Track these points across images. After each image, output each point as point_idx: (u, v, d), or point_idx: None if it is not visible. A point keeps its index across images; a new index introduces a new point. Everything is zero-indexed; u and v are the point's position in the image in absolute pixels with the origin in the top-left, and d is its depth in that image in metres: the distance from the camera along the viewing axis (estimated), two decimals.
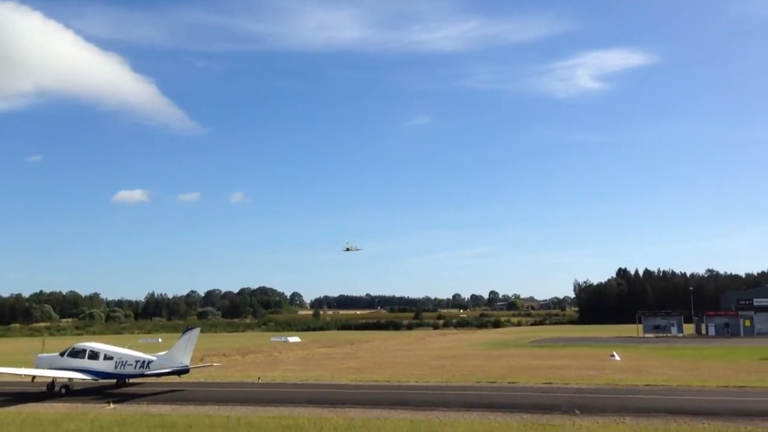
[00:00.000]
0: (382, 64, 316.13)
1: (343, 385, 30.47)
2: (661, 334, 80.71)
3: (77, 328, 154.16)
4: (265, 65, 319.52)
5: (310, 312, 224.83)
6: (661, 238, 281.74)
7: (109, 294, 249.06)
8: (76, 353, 29.71)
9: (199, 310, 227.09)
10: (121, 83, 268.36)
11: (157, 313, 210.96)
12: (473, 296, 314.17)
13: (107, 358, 29.30)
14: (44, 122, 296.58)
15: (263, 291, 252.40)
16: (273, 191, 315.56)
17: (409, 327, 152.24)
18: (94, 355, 29.41)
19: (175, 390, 28.92)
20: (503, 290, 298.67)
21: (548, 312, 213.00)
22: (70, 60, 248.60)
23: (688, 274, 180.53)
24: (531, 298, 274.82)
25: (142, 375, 29.19)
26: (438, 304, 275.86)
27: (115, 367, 29.07)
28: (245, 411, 22.35)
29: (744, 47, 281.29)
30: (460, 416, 20.65)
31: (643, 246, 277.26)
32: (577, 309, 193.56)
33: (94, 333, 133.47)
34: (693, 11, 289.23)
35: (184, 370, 28.94)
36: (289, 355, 55.21)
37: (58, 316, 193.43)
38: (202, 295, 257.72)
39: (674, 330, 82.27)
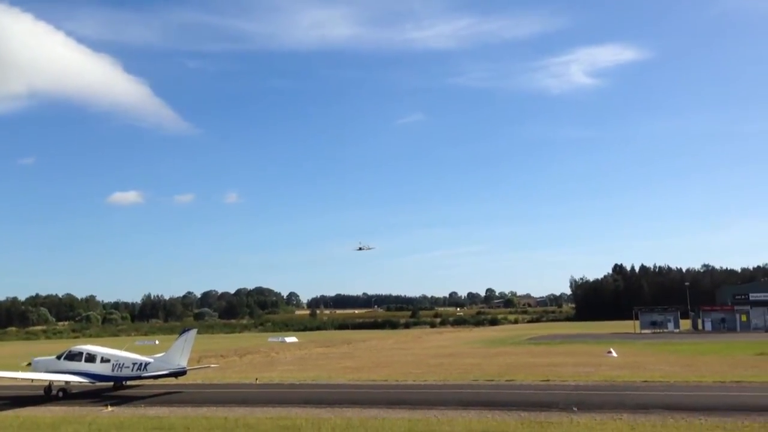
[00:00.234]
0: (375, 62, 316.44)
1: (340, 385, 30.47)
2: (658, 330, 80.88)
3: (74, 330, 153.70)
4: (258, 65, 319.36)
5: (307, 312, 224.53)
6: (656, 233, 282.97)
7: (106, 296, 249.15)
8: (73, 356, 29.60)
9: (196, 311, 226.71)
10: (114, 84, 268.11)
11: (153, 315, 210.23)
12: (470, 294, 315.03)
13: (104, 360, 29.19)
14: (36, 124, 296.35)
15: (260, 291, 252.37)
16: (267, 191, 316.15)
17: (406, 326, 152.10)
18: (91, 358, 29.28)
19: (172, 392, 28.85)
20: (500, 288, 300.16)
21: (545, 309, 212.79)
22: (61, 61, 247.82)
23: (683, 270, 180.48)
24: (527, 296, 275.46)
25: (140, 377, 29.09)
26: (435, 302, 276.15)
27: (113, 370, 28.97)
28: (243, 412, 22.33)
29: (737, 41, 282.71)
30: (458, 415, 20.67)
31: (638, 241, 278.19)
32: (573, 306, 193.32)
33: (90, 336, 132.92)
34: (685, 6, 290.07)
35: (181, 372, 28.86)
36: (286, 356, 55.14)
37: (54, 319, 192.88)
38: (199, 296, 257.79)
39: (671, 326, 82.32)
